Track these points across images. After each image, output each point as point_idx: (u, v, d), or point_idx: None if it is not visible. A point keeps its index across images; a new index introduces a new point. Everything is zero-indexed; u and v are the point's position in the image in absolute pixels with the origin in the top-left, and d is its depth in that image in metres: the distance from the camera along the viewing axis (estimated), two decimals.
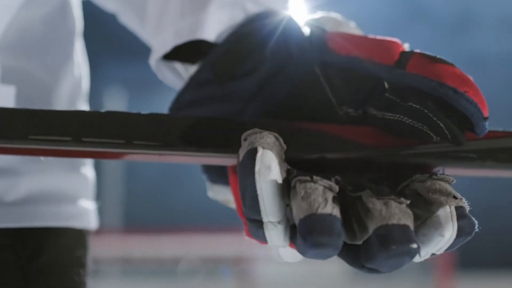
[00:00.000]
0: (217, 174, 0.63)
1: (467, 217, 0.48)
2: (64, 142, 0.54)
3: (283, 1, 0.68)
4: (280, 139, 0.50)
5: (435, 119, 0.52)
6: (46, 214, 0.74)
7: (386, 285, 6.68)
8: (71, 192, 0.76)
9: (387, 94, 0.53)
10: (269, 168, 0.48)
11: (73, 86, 0.78)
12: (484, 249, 9.34)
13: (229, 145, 0.54)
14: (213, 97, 0.61)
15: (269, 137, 0.50)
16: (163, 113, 0.55)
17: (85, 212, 0.78)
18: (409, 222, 0.47)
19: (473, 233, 0.49)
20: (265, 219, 0.49)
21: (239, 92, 0.59)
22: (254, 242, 0.54)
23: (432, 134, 0.52)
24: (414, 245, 0.46)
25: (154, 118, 0.54)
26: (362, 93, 0.54)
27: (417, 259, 0.49)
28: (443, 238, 0.47)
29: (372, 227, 0.47)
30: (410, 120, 0.52)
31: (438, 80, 0.51)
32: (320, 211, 0.46)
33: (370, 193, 0.48)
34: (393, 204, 0.47)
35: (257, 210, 0.48)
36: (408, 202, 0.48)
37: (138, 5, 0.74)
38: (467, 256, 8.02)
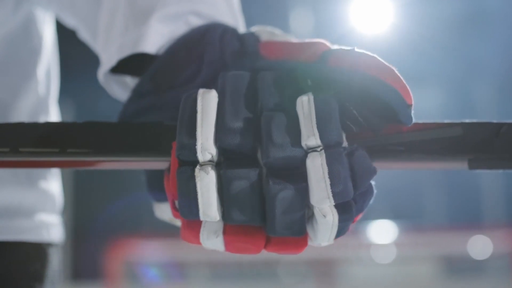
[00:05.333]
0: (163, 192, 0.63)
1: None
2: (2, 154, 0.55)
3: (226, 13, 0.69)
4: None
5: (350, 108, 0.52)
6: None
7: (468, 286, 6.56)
8: (27, 206, 0.77)
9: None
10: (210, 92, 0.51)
11: (36, 104, 0.79)
12: None
13: (161, 149, 0.55)
14: (153, 106, 0.63)
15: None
16: (96, 121, 0.56)
17: (43, 226, 0.79)
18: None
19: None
20: (198, 147, 0.50)
21: (176, 100, 0.60)
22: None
23: (350, 124, 0.52)
24: None
25: (87, 126, 0.56)
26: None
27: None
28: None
29: None
30: None
31: (357, 70, 0.52)
32: None
33: None
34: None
35: (193, 137, 0.50)
36: None
37: (91, 21, 0.75)
38: None
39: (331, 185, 0.49)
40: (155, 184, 0.64)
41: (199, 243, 0.54)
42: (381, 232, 6.42)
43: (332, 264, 6.68)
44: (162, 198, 0.65)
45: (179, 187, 0.51)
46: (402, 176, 7.81)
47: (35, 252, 0.78)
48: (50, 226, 0.80)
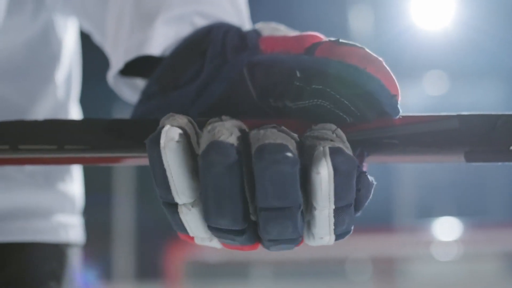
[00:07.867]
0: None
1: (343, 153, 0.47)
2: (2, 151, 0.56)
3: (231, 13, 0.70)
4: (194, 123, 0.50)
5: (338, 96, 0.51)
6: (12, 229, 0.76)
7: None
8: (44, 207, 0.78)
9: (295, 82, 0.53)
10: (173, 139, 0.48)
11: (54, 108, 0.81)
12: None
13: None
14: (160, 108, 0.62)
15: (181, 118, 0.50)
16: (94, 118, 0.57)
17: (61, 227, 0.80)
18: (287, 142, 0.47)
19: (353, 171, 0.47)
20: (177, 199, 0.49)
21: (180, 100, 0.61)
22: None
23: (342, 115, 0.52)
24: (289, 154, 0.46)
25: (85, 123, 0.56)
26: (279, 85, 0.54)
27: (321, 222, 0.49)
28: (319, 176, 0.46)
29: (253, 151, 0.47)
30: (319, 101, 0.52)
31: (340, 59, 0.51)
32: (222, 139, 0.47)
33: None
34: (271, 130, 0.48)
35: (168, 188, 0.49)
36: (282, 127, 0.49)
37: (102, 25, 0.76)
38: None
39: (335, 229, 0.50)
40: None
41: (194, 243, 0.54)
42: (445, 229, 6.35)
43: (396, 262, 6.63)
44: None
45: (167, 214, 0.51)
46: (466, 173, 7.72)
47: (52, 252, 0.80)
48: (68, 226, 0.81)
